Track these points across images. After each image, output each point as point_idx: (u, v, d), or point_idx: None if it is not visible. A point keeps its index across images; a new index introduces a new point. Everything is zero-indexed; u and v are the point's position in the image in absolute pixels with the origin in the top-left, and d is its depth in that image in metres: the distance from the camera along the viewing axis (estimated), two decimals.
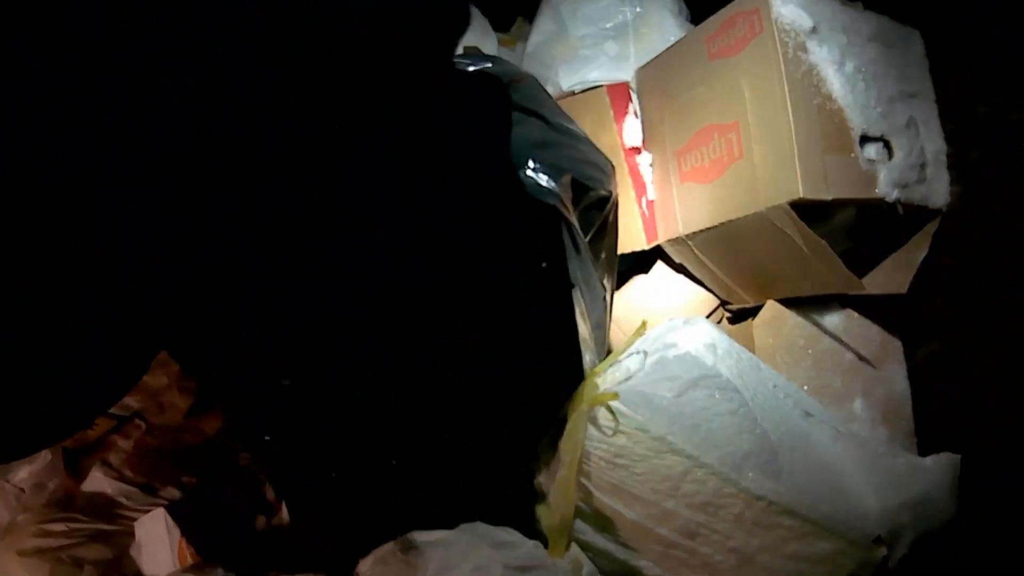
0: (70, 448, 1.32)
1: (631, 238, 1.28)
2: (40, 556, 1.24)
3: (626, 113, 1.31)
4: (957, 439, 1.12)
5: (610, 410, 0.92)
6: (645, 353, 1.02)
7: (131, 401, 1.23)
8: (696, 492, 0.90)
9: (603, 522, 0.95)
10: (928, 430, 1.17)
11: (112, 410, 1.23)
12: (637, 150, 1.31)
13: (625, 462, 0.91)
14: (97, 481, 1.30)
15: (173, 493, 1.27)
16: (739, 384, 0.97)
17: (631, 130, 1.31)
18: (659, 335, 1.07)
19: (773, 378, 1.03)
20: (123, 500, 1.28)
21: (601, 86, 1.31)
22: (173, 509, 1.23)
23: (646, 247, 1.29)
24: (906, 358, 1.19)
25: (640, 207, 1.28)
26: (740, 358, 1.03)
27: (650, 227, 1.28)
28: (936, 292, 1.20)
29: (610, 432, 0.92)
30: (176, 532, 1.21)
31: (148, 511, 1.25)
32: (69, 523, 1.28)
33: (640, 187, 1.28)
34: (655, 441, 0.90)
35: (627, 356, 1.03)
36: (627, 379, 0.99)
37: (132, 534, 1.26)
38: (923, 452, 1.12)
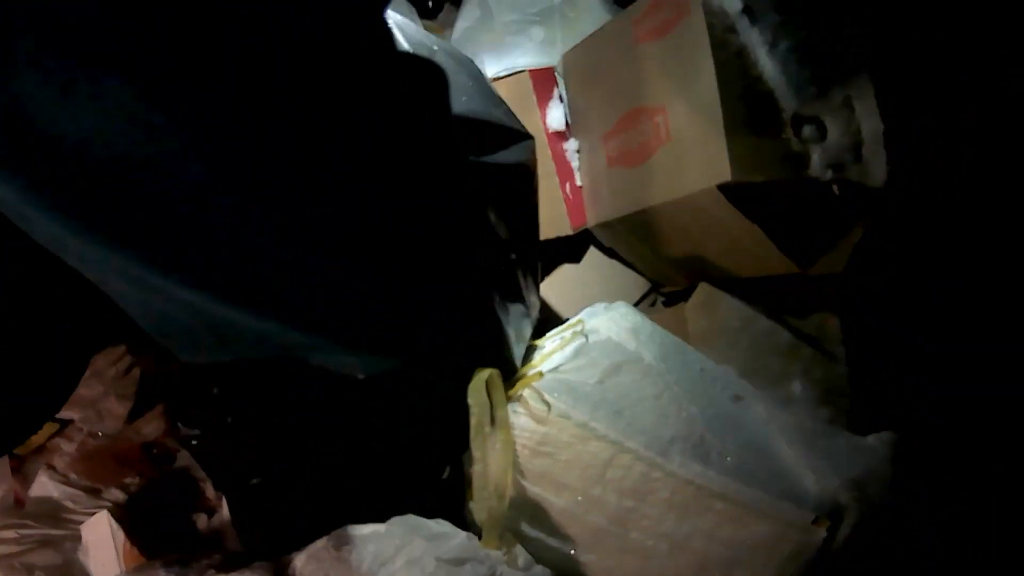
0: (16, 453, 1.32)
1: (555, 224, 1.28)
2: None
3: (550, 98, 1.31)
4: (899, 416, 1.12)
5: (538, 395, 0.92)
6: (565, 340, 1.01)
7: (70, 413, 1.23)
8: (623, 478, 0.90)
9: (533, 511, 0.94)
10: (869, 408, 1.17)
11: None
12: (562, 135, 1.30)
13: (549, 449, 0.91)
14: (44, 485, 1.30)
15: (117, 495, 1.26)
16: (663, 368, 0.97)
17: (555, 115, 1.30)
18: (579, 322, 1.06)
19: (700, 361, 1.03)
20: (69, 504, 1.28)
21: (524, 71, 1.30)
22: (116, 510, 1.23)
23: (571, 232, 1.29)
24: (844, 336, 1.19)
25: (564, 192, 1.27)
26: (664, 342, 1.02)
27: (575, 212, 1.27)
28: (873, 269, 1.19)
29: (541, 415, 0.92)
30: (120, 534, 1.20)
31: (93, 514, 1.25)
32: (19, 529, 1.27)
33: (565, 172, 1.28)
34: (578, 428, 0.89)
35: (548, 344, 1.03)
36: (548, 367, 0.98)
37: (79, 538, 1.25)
38: (865, 431, 1.11)
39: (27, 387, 0.98)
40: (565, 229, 1.29)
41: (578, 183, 1.30)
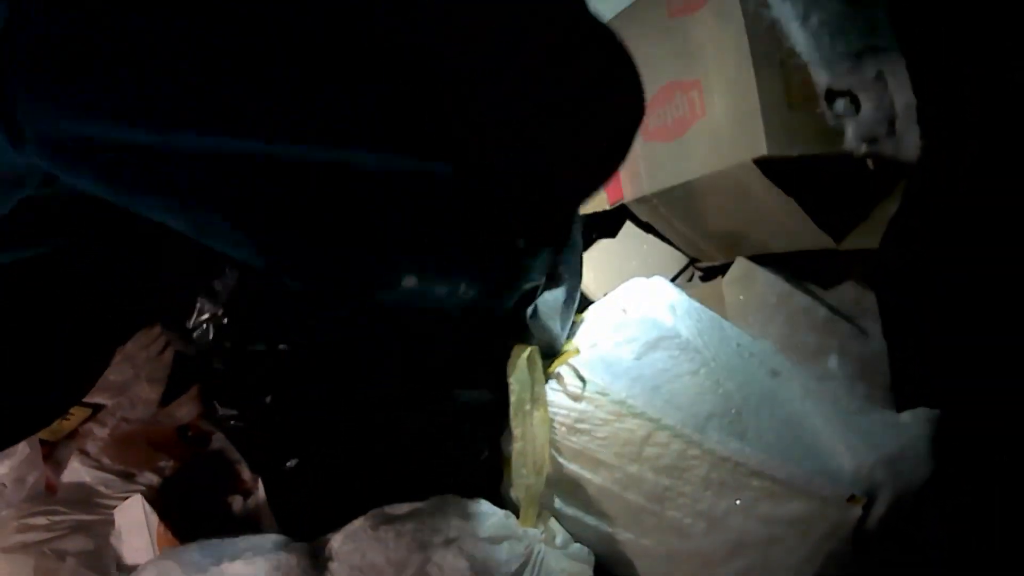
0: (48, 440, 1.32)
1: (593, 199, 1.27)
2: (24, 551, 1.24)
3: None
4: (936, 393, 1.11)
5: (575, 372, 0.91)
6: (602, 316, 1.01)
7: (102, 398, 1.23)
8: (660, 455, 0.89)
9: (571, 489, 0.94)
10: (907, 385, 1.16)
11: (86, 400, 1.23)
12: None
13: (587, 427, 0.90)
14: (76, 471, 1.30)
15: (151, 478, 1.26)
16: (700, 344, 0.96)
17: None
18: (617, 298, 1.05)
19: (737, 336, 1.02)
20: (102, 488, 1.28)
21: None
22: (150, 494, 1.23)
23: (608, 207, 1.28)
24: (881, 312, 1.18)
25: None
26: (701, 318, 1.01)
27: (612, 187, 1.27)
28: (908, 244, 1.18)
29: (578, 392, 0.91)
30: (154, 517, 1.20)
31: (126, 498, 1.25)
32: (50, 516, 1.27)
33: None
34: (615, 405, 0.89)
35: (585, 320, 1.02)
36: (585, 343, 0.97)
37: (112, 523, 1.26)
38: (902, 408, 1.10)
39: (25, 388, 0.97)
40: (602, 204, 1.28)
41: None
